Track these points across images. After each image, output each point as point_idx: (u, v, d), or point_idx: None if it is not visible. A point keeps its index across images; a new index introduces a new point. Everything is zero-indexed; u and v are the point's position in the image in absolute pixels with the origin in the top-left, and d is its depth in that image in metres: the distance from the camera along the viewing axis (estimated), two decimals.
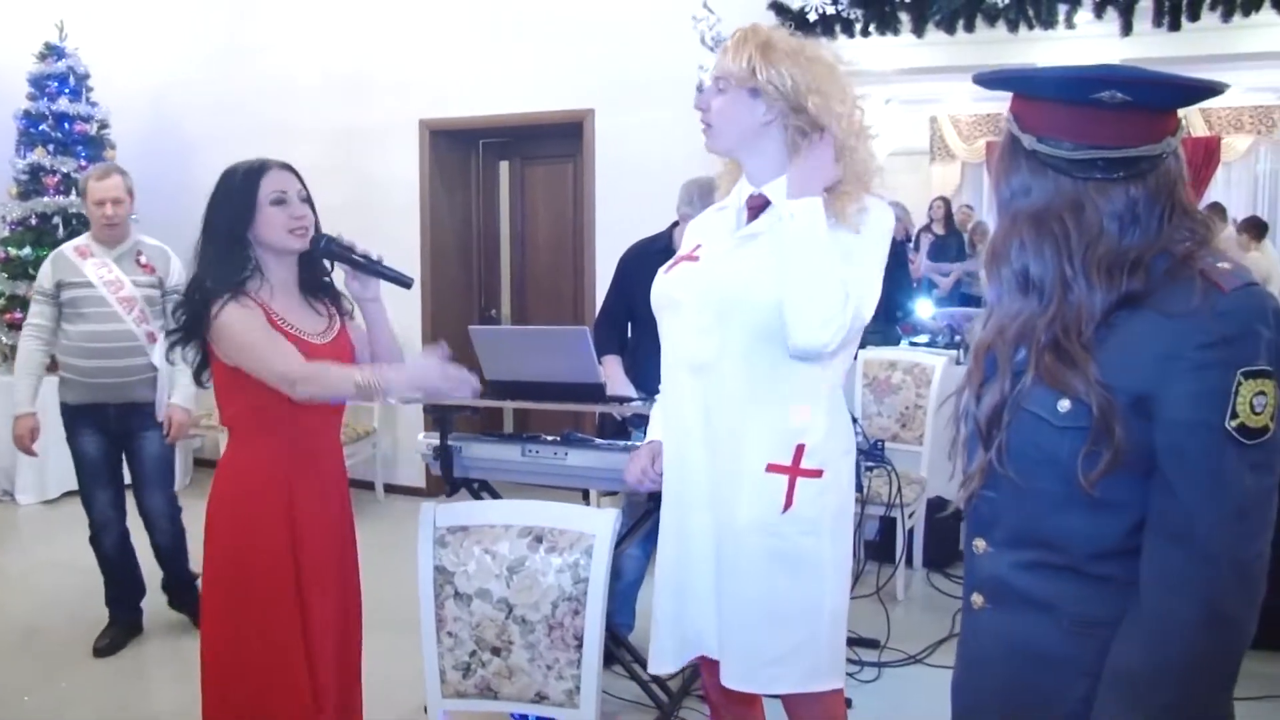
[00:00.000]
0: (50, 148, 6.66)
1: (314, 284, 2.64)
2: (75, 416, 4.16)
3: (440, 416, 3.72)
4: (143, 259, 4.24)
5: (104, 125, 6.92)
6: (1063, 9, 4.89)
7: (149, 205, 7.02)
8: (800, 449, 2.20)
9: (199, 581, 3.48)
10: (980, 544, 1.56)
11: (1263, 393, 1.32)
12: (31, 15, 6.87)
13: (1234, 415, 1.31)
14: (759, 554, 2.20)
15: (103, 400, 4.13)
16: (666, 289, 2.35)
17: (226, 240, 2.52)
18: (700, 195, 3.94)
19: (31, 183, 6.64)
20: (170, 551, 4.40)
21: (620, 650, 3.76)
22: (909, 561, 4.98)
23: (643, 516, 3.59)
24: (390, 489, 6.65)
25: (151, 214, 7.01)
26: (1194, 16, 4.66)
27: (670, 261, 2.41)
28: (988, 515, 1.54)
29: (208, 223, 2.55)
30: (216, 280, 2.49)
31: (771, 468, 2.19)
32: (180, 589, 4.48)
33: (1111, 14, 4.75)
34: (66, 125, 6.74)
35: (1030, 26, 5.00)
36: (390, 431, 6.66)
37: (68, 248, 4.23)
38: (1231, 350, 1.32)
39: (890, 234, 2.27)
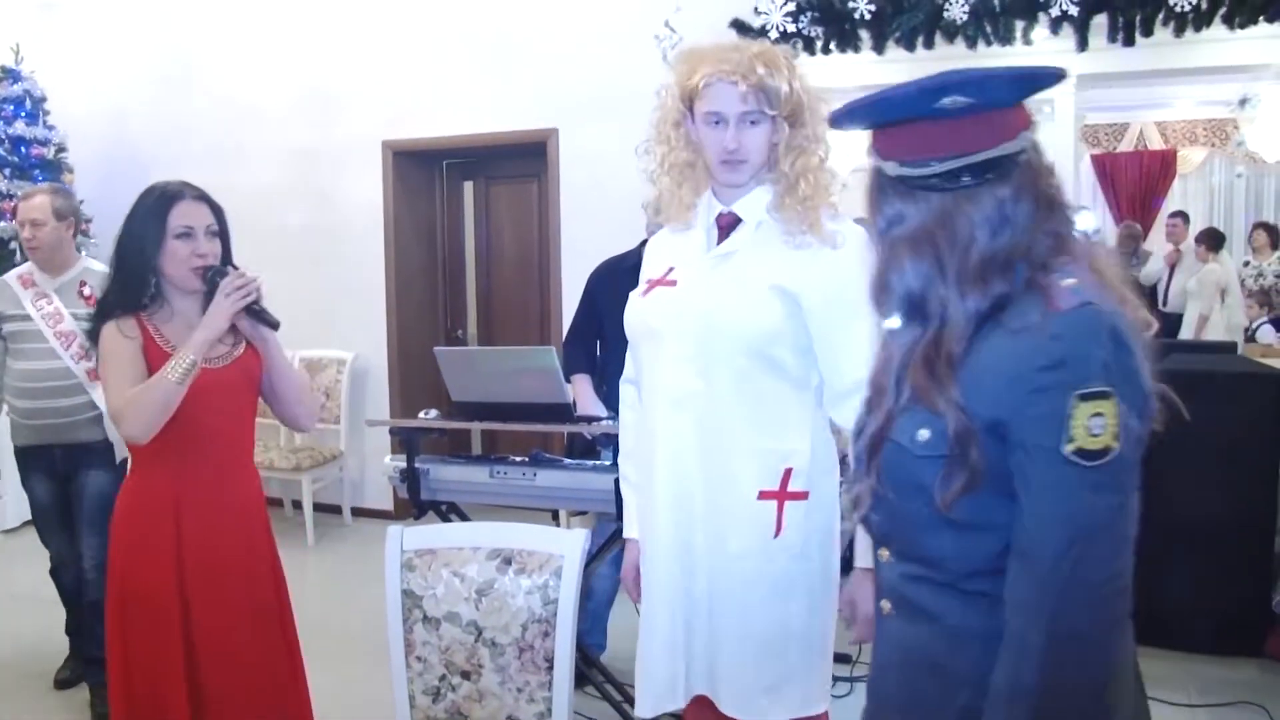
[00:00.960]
0: (7, 172, 6.58)
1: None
2: (24, 459, 3.97)
3: (407, 438, 3.70)
4: (86, 290, 3.86)
5: (61, 149, 6.85)
6: (1020, 25, 4.95)
7: (108, 228, 6.97)
8: (788, 473, 2.15)
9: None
10: (884, 553, 1.57)
11: (1100, 414, 1.31)
12: None
13: (1070, 439, 1.31)
14: (753, 581, 2.16)
15: (48, 441, 3.87)
16: (643, 317, 2.27)
17: (132, 262, 2.59)
18: None
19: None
20: (91, 607, 3.79)
21: (592, 671, 3.74)
22: None
23: (613, 535, 3.57)
24: (357, 512, 6.59)
25: (109, 237, 6.95)
26: (1147, 32, 4.73)
27: (643, 286, 2.31)
28: (882, 529, 1.57)
29: (119, 241, 2.64)
30: (113, 300, 2.59)
31: (763, 495, 2.15)
32: (84, 655, 4.01)
33: (1068, 30, 4.81)
34: (23, 149, 6.66)
35: (989, 43, 5.05)
36: (357, 454, 6.60)
37: (11, 276, 3.95)
38: (1065, 373, 1.32)
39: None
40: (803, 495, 2.16)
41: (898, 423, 1.48)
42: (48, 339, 3.80)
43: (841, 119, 1.51)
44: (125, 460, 3.57)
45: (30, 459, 3.93)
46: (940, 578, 1.48)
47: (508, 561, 2.28)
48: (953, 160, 1.40)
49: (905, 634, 1.55)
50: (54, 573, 4.10)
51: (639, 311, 2.28)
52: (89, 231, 6.84)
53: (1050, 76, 1.44)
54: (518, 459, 3.57)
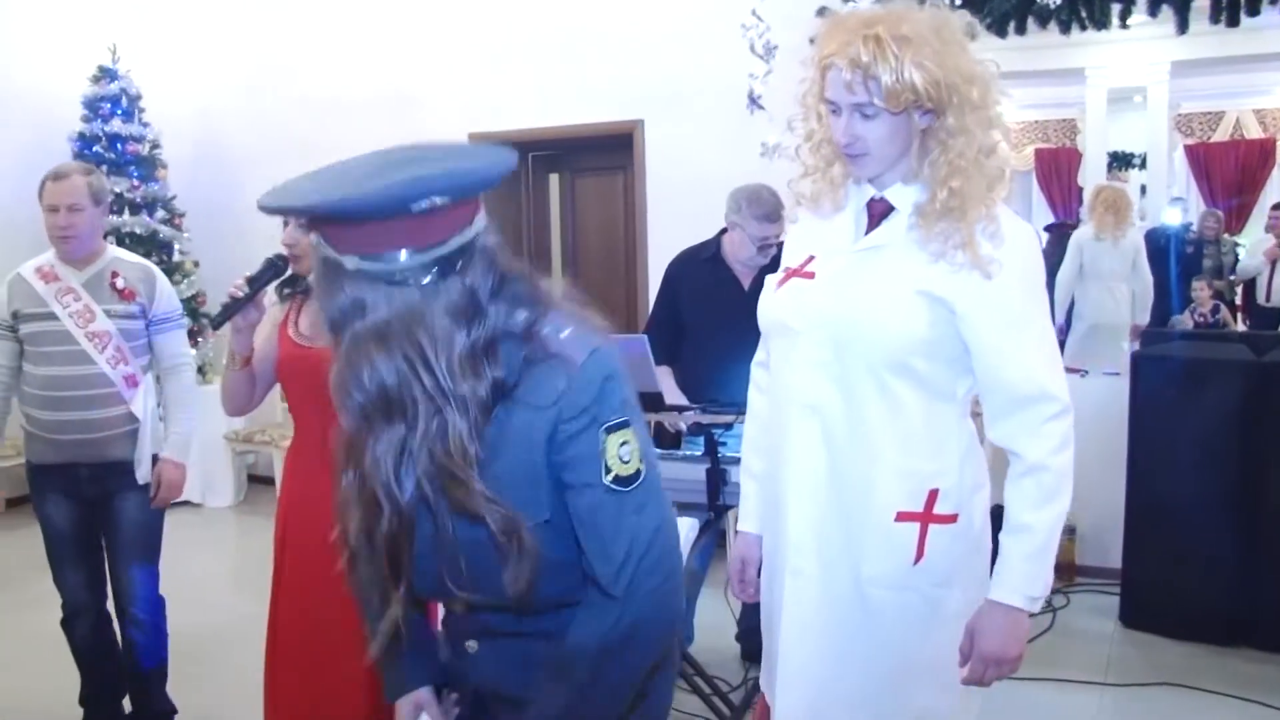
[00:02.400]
0: (104, 168, 6.71)
1: None
2: (41, 479, 3.38)
3: None
4: (119, 283, 3.37)
5: (155, 145, 7.00)
6: (1116, 8, 4.81)
7: (199, 222, 7.13)
8: (934, 494, 1.93)
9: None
10: (472, 645, 1.64)
11: (625, 442, 1.44)
12: (85, 39, 6.97)
13: (608, 470, 1.43)
14: (887, 610, 1.96)
15: (72, 459, 3.32)
16: (777, 312, 2.08)
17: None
18: (749, 203, 3.90)
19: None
20: (148, 660, 3.50)
21: (682, 663, 3.72)
22: None
23: (703, 527, 3.55)
24: None
25: (201, 231, 7.12)
26: (1253, 11, 4.56)
27: (780, 275, 2.12)
28: (468, 625, 1.64)
29: None
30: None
31: (902, 516, 1.93)
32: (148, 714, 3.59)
33: (1167, 12, 4.66)
34: (119, 146, 6.82)
35: (1083, 28, 4.94)
36: None
37: (27, 268, 3.37)
38: (593, 414, 1.42)
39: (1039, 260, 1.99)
40: (950, 519, 1.94)
41: (457, 523, 1.46)
42: (77, 340, 3.28)
43: (278, 212, 1.43)
44: (147, 485, 3.39)
45: (49, 479, 3.37)
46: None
47: None
48: (421, 254, 1.36)
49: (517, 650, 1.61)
50: (65, 624, 3.49)
51: (772, 304, 2.10)
52: (181, 225, 7.00)
53: (508, 168, 1.46)
54: None
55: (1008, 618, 1.90)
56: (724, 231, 4.04)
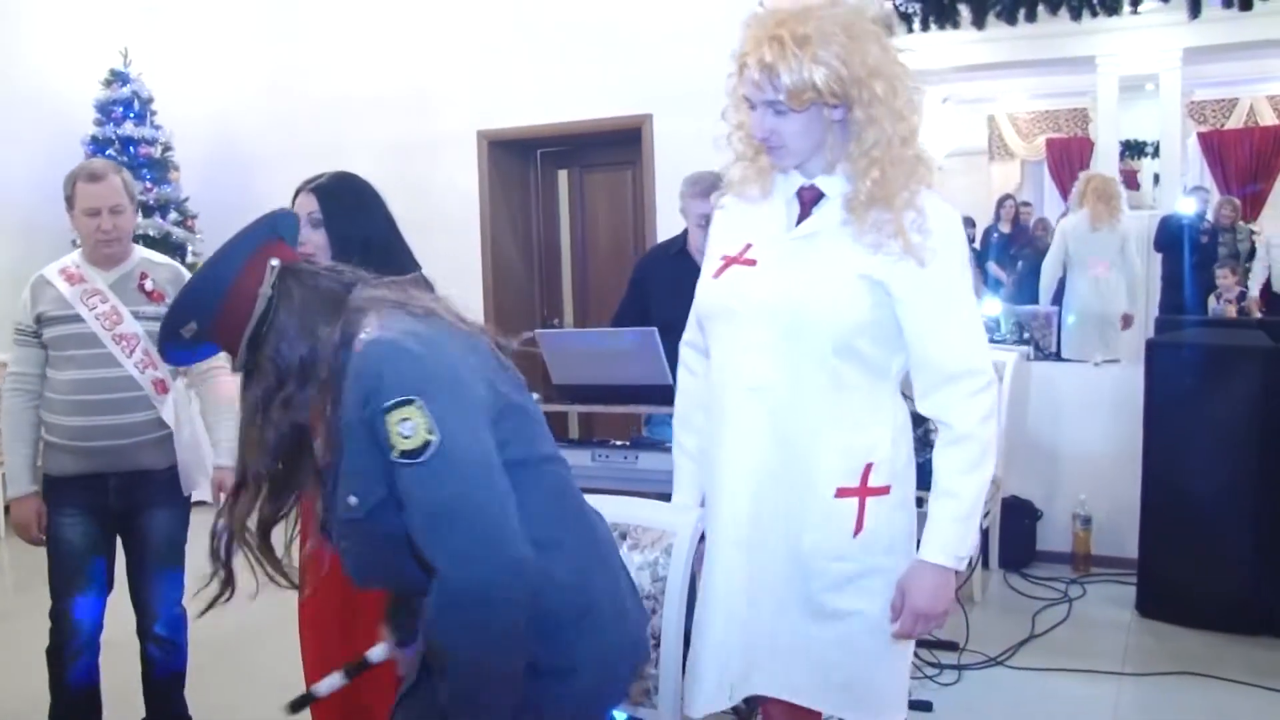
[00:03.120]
0: None
1: None
2: (60, 491, 3.18)
3: None
4: (148, 284, 3.24)
5: (168, 148, 7.04)
6: None
7: (211, 225, 7.15)
8: (868, 467, 2.01)
9: None
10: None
11: (406, 418, 1.49)
12: (97, 43, 7.01)
13: (392, 448, 1.49)
14: (828, 579, 2.03)
15: (100, 469, 3.16)
16: (719, 297, 2.10)
17: None
18: (688, 184, 4.03)
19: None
20: (165, 671, 3.36)
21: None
22: (985, 563, 4.89)
23: None
24: None
25: (213, 233, 7.13)
26: None
27: (718, 263, 2.13)
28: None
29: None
30: None
31: (841, 492, 2.01)
32: None
33: None
34: (132, 149, 6.86)
35: (1094, 14, 4.92)
36: None
37: (51, 270, 3.23)
38: (371, 400, 1.51)
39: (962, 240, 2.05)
40: (884, 490, 2.03)
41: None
42: (104, 343, 3.15)
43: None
44: (178, 497, 3.27)
45: (69, 491, 3.17)
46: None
47: (623, 536, 2.27)
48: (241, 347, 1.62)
49: None
50: (55, 654, 3.22)
51: (714, 290, 2.12)
52: (194, 227, 7.03)
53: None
54: (618, 442, 3.55)
55: (937, 576, 1.99)
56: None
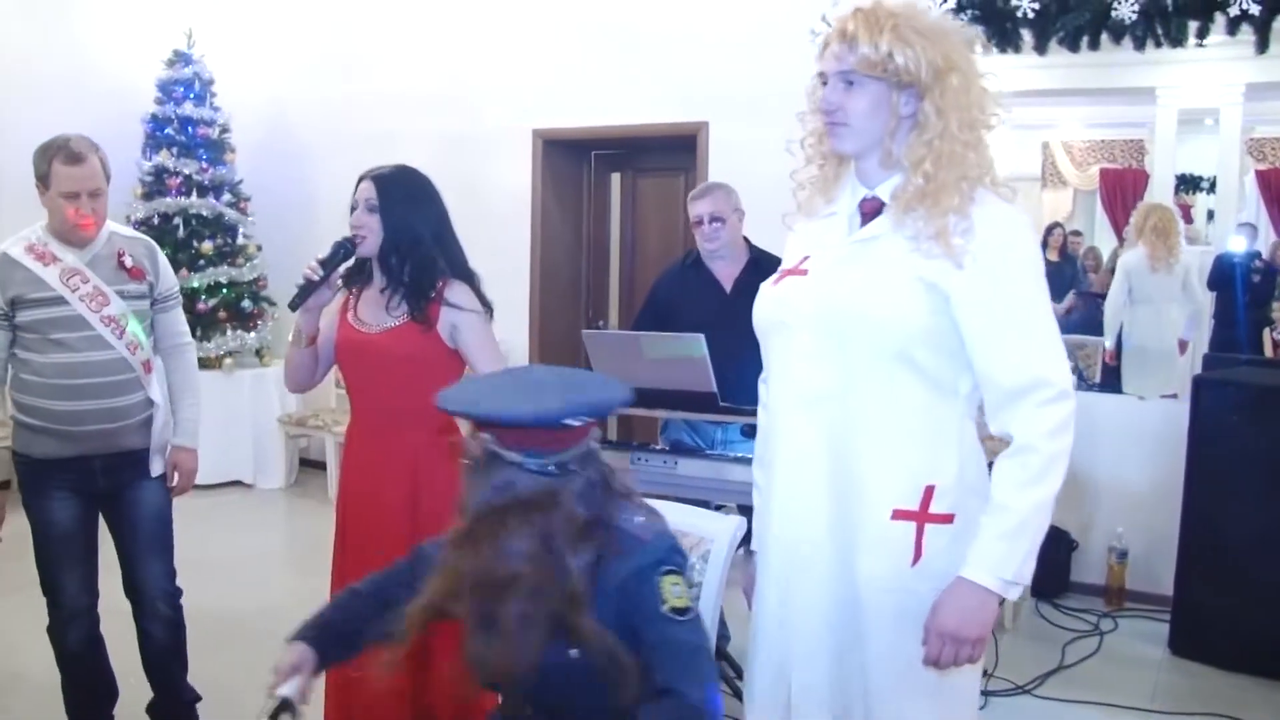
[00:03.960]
0: (174, 150, 6.84)
1: (408, 286, 2.77)
2: (44, 474, 3.10)
3: None
4: (128, 261, 3.14)
5: (225, 129, 7.10)
6: (1193, 25, 4.74)
7: (265, 206, 7.23)
8: (929, 491, 1.89)
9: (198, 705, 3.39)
10: None
11: (676, 583, 1.81)
12: (162, 24, 7.09)
13: (664, 602, 1.79)
14: (886, 614, 1.91)
15: (88, 451, 3.09)
16: (772, 309, 2.05)
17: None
18: (689, 194, 4.06)
19: (155, 184, 6.84)
20: (166, 650, 3.33)
21: (720, 663, 3.71)
22: None
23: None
24: None
25: (265, 215, 7.22)
26: None
27: (775, 275, 2.10)
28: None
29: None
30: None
31: (898, 514, 1.90)
32: (174, 711, 3.42)
33: (1246, 31, 4.58)
34: (190, 129, 6.92)
35: (1158, 44, 4.87)
36: None
37: (15, 249, 3.05)
38: (655, 568, 1.81)
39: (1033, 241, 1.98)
40: (946, 519, 1.90)
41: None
42: (93, 325, 3.04)
43: (463, 415, 1.86)
44: (161, 475, 3.26)
45: (53, 474, 3.09)
46: None
47: None
48: (562, 454, 1.79)
49: None
50: (55, 632, 3.22)
51: (767, 301, 2.07)
52: (246, 210, 7.10)
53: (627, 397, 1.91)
54: (657, 447, 3.55)
55: (973, 596, 1.84)
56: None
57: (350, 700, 2.77)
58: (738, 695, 3.56)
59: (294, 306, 2.77)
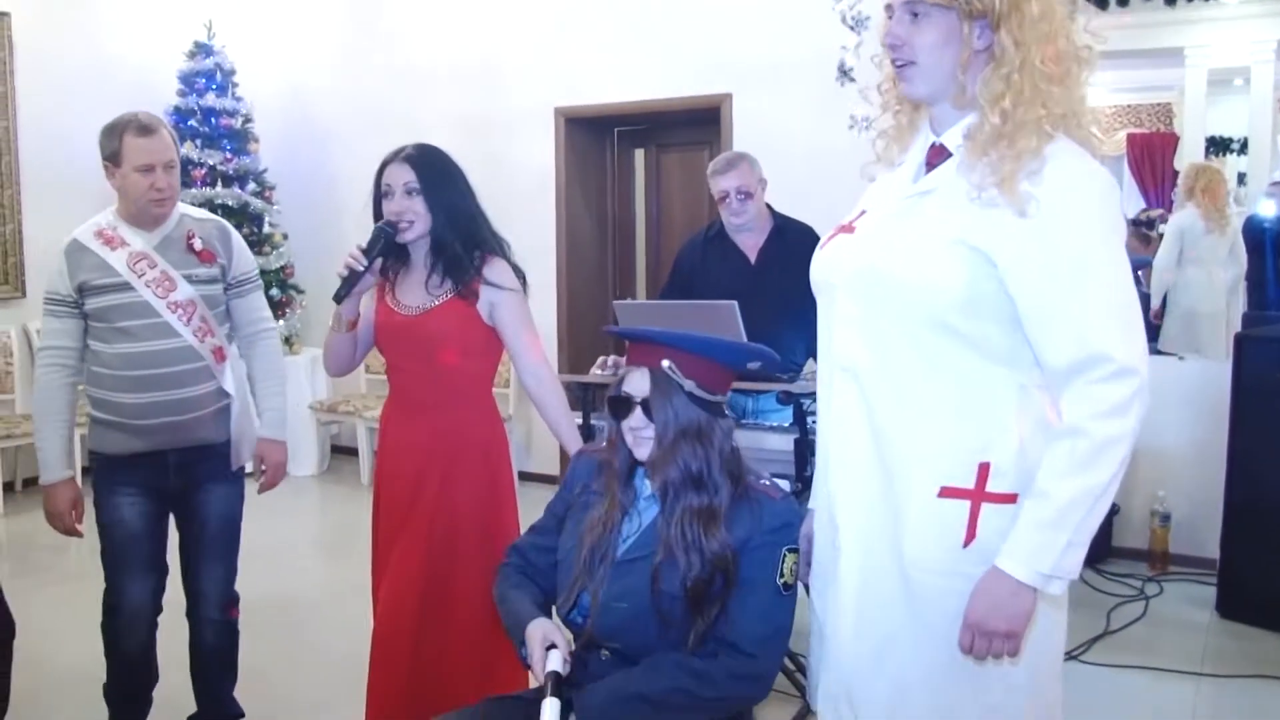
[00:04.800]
0: (198, 141, 6.85)
1: (443, 265, 2.72)
2: (115, 471, 2.97)
3: (582, 396, 3.70)
4: (196, 243, 2.99)
5: (248, 119, 7.09)
6: None
7: (289, 194, 7.23)
8: (984, 468, 1.74)
9: None
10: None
11: (794, 563, 2.01)
12: (182, 16, 7.10)
13: (781, 575, 1.99)
14: (932, 596, 1.78)
15: (160, 446, 2.95)
16: (818, 269, 1.93)
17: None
18: (711, 166, 3.95)
19: (181, 176, 6.82)
20: (216, 657, 3.20)
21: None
22: None
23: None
24: (524, 476, 6.62)
25: (290, 204, 7.22)
26: None
27: (829, 233, 1.98)
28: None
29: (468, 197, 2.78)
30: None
31: (946, 492, 1.75)
32: None
33: None
34: (213, 120, 6.92)
35: None
36: (524, 419, 6.70)
37: (85, 233, 2.95)
38: (780, 535, 2.00)
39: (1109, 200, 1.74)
40: (1008, 498, 1.73)
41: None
42: (160, 313, 2.90)
43: (660, 338, 2.04)
44: (235, 473, 3.13)
45: (125, 471, 2.96)
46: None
47: None
48: (717, 396, 2.05)
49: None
50: (112, 629, 3.06)
51: (817, 261, 1.95)
52: (271, 198, 7.10)
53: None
54: None
55: (1003, 587, 1.69)
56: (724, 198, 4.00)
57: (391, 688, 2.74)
58: (798, 688, 3.54)
59: (339, 298, 2.71)
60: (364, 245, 2.67)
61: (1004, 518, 1.72)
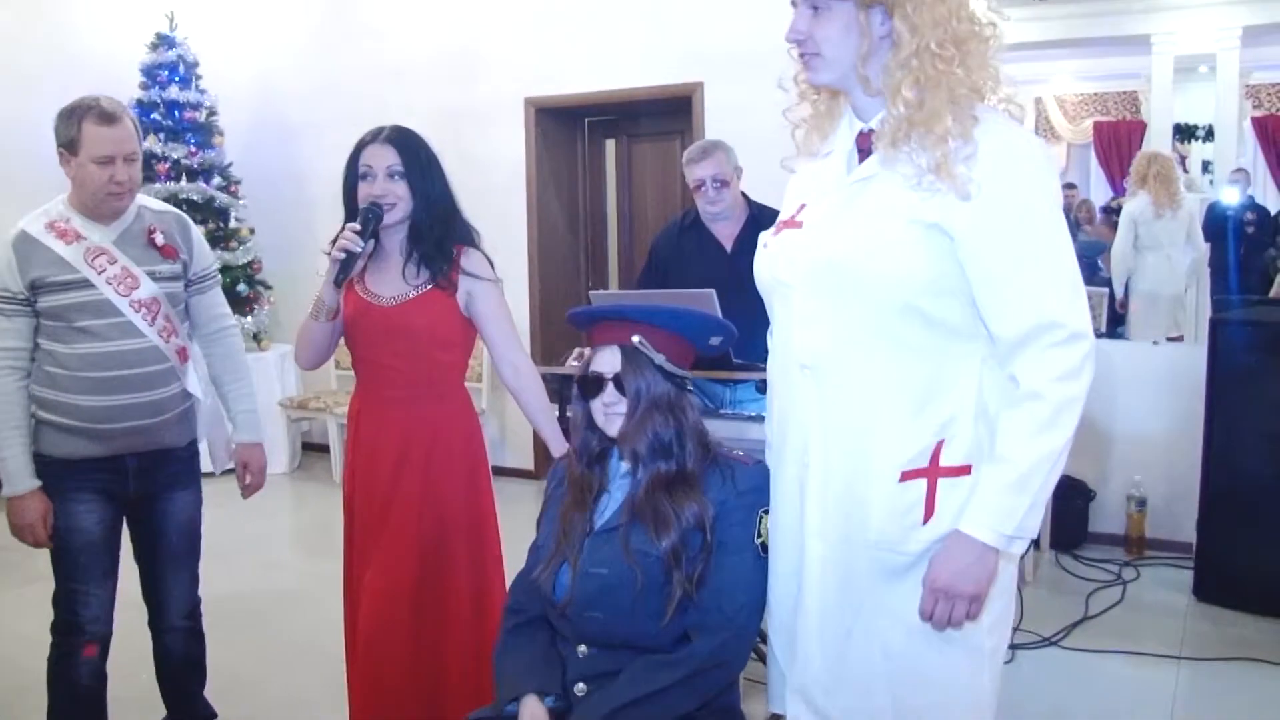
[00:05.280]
0: (161, 135, 6.75)
1: (420, 254, 2.66)
2: (66, 476, 2.79)
3: (559, 388, 3.66)
4: (158, 238, 2.84)
5: (212, 112, 7.00)
6: None
7: (255, 189, 7.14)
8: (939, 445, 1.77)
9: None
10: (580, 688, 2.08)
11: (766, 524, 2.02)
12: (143, 6, 6.99)
13: (759, 535, 2.02)
14: (900, 573, 1.81)
15: (120, 451, 2.82)
16: (768, 267, 1.93)
17: (346, 202, 2.75)
18: (686, 154, 3.98)
19: (144, 170, 6.71)
20: (186, 663, 3.11)
21: None
22: (1036, 544, 4.80)
23: None
24: (498, 472, 6.54)
25: (256, 198, 7.13)
26: None
27: (773, 227, 1.97)
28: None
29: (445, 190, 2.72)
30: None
31: (906, 475, 1.78)
32: None
33: None
34: (177, 113, 6.83)
35: None
36: (498, 413, 6.66)
37: (35, 226, 2.75)
38: (754, 497, 2.03)
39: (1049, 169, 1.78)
40: (962, 470, 1.77)
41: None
42: (122, 311, 2.75)
43: (630, 314, 2.07)
44: (196, 479, 3.02)
45: (79, 476, 2.80)
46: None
47: None
48: (686, 372, 2.09)
49: None
50: (63, 661, 2.87)
51: (763, 259, 1.95)
52: (237, 192, 7.02)
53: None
54: None
55: (969, 551, 1.73)
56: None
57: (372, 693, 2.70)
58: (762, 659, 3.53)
59: (339, 283, 2.62)
60: (357, 226, 2.58)
61: (960, 490, 1.77)
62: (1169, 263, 5.85)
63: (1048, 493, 1.74)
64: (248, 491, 3.13)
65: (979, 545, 1.72)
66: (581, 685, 2.05)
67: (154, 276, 2.81)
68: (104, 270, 2.74)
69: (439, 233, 2.64)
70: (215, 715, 3.22)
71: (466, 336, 2.75)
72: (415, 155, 2.64)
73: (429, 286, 2.65)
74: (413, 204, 2.63)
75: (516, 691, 2.06)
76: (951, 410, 1.78)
